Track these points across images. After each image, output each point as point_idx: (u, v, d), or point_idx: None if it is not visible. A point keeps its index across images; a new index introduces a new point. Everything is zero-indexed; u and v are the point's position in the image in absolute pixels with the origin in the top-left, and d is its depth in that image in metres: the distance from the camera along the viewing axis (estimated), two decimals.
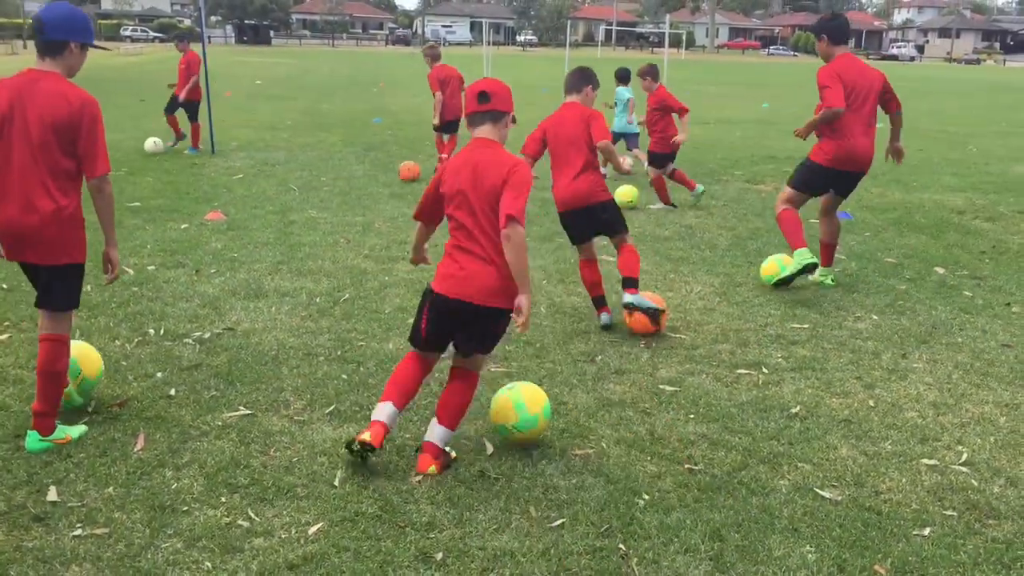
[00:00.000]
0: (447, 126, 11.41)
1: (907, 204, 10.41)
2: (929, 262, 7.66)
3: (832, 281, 6.88)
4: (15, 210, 3.68)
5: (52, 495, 3.53)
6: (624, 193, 9.63)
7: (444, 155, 11.23)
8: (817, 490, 3.75)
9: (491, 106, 3.80)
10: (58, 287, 3.82)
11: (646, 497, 3.66)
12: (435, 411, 3.92)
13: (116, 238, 3.98)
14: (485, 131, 3.83)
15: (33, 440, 3.88)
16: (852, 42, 6.85)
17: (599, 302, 5.84)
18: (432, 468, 3.78)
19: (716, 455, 4.06)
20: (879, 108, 6.54)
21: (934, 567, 3.24)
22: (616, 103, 11.66)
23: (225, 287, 6.41)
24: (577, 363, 5.16)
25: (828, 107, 6.22)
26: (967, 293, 6.74)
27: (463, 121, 4.03)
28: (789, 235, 6.55)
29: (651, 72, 9.86)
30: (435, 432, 3.85)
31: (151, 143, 13.18)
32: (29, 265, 3.86)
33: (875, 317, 6.10)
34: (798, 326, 5.87)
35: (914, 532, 3.46)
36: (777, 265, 6.80)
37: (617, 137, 11.49)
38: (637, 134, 11.84)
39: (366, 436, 3.70)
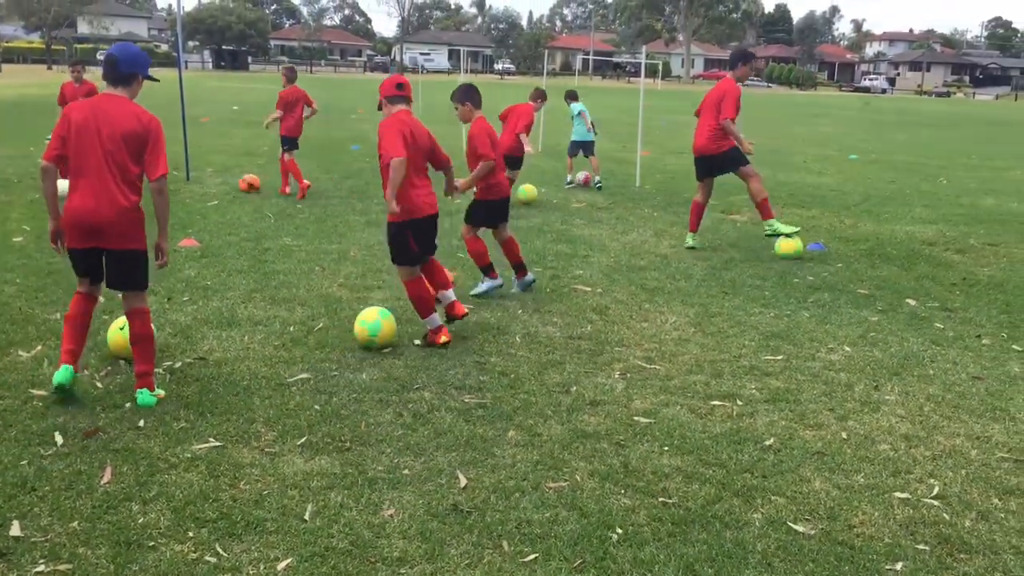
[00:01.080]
0: (291, 142, 11.94)
1: (879, 235, 10.52)
2: (901, 294, 7.73)
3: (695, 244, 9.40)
4: (93, 204, 4.52)
5: (15, 530, 3.46)
6: (527, 190, 11.92)
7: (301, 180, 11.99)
8: (791, 524, 3.74)
9: (406, 93, 5.92)
10: (127, 269, 4.72)
11: (620, 531, 3.64)
12: (437, 288, 6.09)
13: (168, 232, 4.83)
14: (404, 106, 5.90)
15: (145, 396, 4.70)
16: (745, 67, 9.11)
17: (489, 269, 7.21)
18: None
19: (690, 488, 4.05)
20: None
21: None
22: (571, 117, 14.02)
23: (197, 315, 6.34)
24: (552, 394, 5.14)
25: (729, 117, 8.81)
26: (938, 325, 6.80)
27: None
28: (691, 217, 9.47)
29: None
30: (451, 294, 6.15)
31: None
32: (91, 251, 4.64)
33: (848, 349, 6.14)
34: (772, 357, 5.90)
35: (887, 567, 3.46)
36: (792, 243, 9.03)
37: (578, 146, 13.86)
38: (593, 142, 13.96)
39: (443, 339, 5.85)
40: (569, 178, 14.02)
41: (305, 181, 11.92)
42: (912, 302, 7.45)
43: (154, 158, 4.59)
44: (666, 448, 4.46)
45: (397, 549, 3.44)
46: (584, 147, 13.91)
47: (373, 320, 5.75)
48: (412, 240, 5.87)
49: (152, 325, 4.88)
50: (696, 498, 3.95)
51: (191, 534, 3.49)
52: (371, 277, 7.62)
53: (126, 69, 4.66)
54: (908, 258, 9.26)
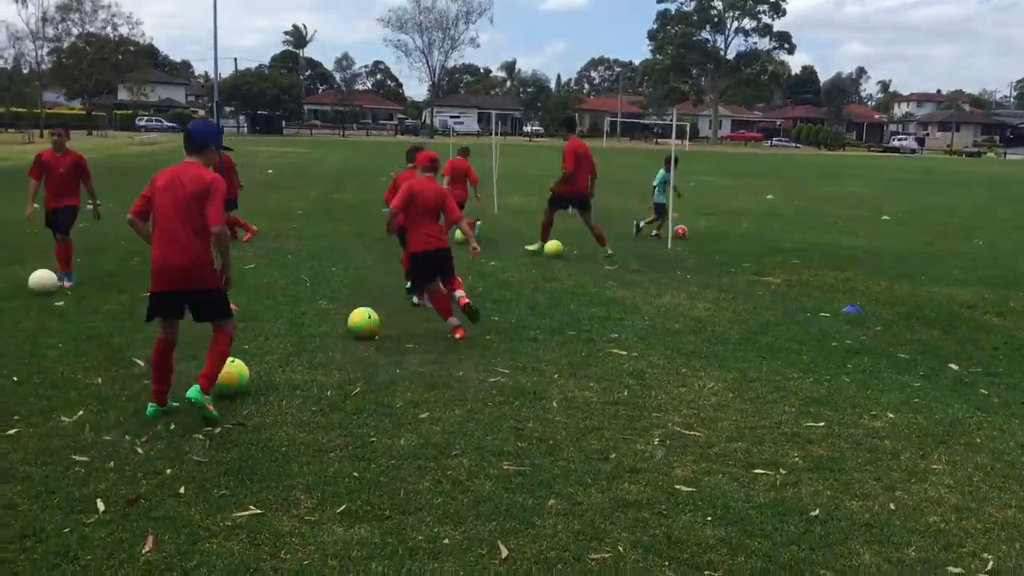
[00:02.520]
0: (230, 204, 12.96)
1: (916, 298, 10.41)
2: (942, 358, 7.62)
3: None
4: (176, 251, 5.41)
5: None
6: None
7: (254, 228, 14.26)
8: None
9: (416, 163, 8.26)
10: (212, 303, 5.65)
11: None
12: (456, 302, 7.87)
13: (229, 263, 5.73)
14: (421, 173, 8.06)
15: (195, 391, 5.40)
16: (578, 129, 13.25)
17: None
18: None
19: (736, 560, 3.96)
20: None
21: None
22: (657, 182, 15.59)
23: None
24: (591, 460, 5.09)
25: (567, 170, 12.16)
26: (983, 391, 6.68)
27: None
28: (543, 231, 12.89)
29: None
30: (458, 293, 8.00)
31: (41, 278, 9.21)
32: (175, 294, 5.51)
33: (891, 415, 6.04)
34: (813, 424, 5.81)
35: None
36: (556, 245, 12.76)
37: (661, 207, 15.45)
38: (663, 205, 15.27)
39: (458, 335, 7.69)
40: (641, 223, 15.79)
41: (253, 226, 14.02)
42: (955, 367, 7.34)
43: (211, 209, 5.41)
44: (709, 518, 4.38)
45: None
46: (658, 208, 15.55)
47: (358, 320, 7.71)
48: (422, 267, 7.88)
49: (229, 348, 5.73)
50: (742, 571, 3.86)
51: None
52: (406, 340, 7.63)
53: (197, 140, 5.66)
54: (948, 321, 9.14)
